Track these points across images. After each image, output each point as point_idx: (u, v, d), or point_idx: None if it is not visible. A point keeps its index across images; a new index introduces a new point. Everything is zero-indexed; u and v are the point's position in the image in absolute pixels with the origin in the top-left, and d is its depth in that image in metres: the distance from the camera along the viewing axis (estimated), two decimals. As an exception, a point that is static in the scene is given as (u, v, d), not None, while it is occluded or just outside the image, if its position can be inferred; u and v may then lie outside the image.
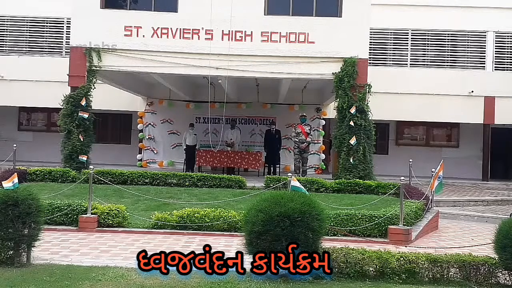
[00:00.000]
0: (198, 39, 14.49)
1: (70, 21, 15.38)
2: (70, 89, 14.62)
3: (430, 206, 11.48)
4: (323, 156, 19.90)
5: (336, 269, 6.35)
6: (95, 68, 14.48)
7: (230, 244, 8.32)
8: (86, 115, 14.26)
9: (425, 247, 8.55)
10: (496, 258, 6.48)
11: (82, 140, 14.17)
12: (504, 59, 20.28)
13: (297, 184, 7.36)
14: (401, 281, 6.33)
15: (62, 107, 14.52)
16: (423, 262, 6.52)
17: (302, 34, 14.43)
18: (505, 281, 6.46)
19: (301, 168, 15.66)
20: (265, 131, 18.78)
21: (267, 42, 14.45)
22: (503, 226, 6.48)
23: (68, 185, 11.77)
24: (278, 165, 17.92)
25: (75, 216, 9.30)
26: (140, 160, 20.23)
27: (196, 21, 14.50)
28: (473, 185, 18.77)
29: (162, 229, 9.27)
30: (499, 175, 20.80)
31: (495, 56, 20.23)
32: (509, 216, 11.27)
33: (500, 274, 6.50)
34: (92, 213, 9.29)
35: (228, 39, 14.44)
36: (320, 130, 19.91)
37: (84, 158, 14.17)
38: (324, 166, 19.71)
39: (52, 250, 7.58)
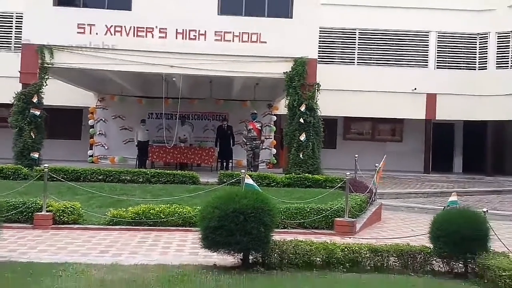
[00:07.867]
0: (152, 37, 14.60)
1: (19, 16, 15.17)
2: (21, 86, 14.46)
3: (374, 198, 12.12)
4: (274, 151, 20.36)
5: (286, 260, 6.75)
6: (47, 65, 14.37)
7: (185, 239, 8.60)
8: (38, 112, 14.16)
9: (368, 238, 8.98)
10: (431, 248, 7.01)
11: (33, 137, 14.08)
12: (446, 58, 21.32)
13: (251, 181, 7.76)
14: (345, 270, 6.73)
15: (12, 103, 14.35)
16: (365, 252, 6.94)
17: (254, 34, 14.78)
18: (439, 268, 7.00)
19: (253, 163, 16.06)
20: (217, 127, 18.95)
21: (220, 41, 14.71)
22: (437, 218, 7.04)
23: (21, 183, 11.63)
24: (231, 160, 18.19)
25: (30, 214, 9.30)
26: (91, 156, 20.09)
27: (150, 20, 14.59)
28: (416, 177, 19.68)
29: (118, 225, 9.36)
30: (440, 168, 21.87)
31: (437, 55, 21.25)
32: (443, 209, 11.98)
33: (435, 262, 7.03)
34: (47, 211, 9.32)
35: (182, 38, 14.61)
36: (272, 125, 20.35)
37: (36, 155, 14.10)
38: (275, 161, 20.19)
39: (9, 248, 7.62)
